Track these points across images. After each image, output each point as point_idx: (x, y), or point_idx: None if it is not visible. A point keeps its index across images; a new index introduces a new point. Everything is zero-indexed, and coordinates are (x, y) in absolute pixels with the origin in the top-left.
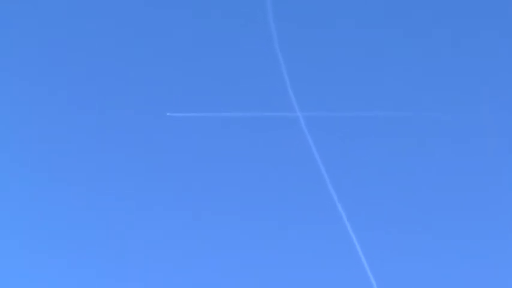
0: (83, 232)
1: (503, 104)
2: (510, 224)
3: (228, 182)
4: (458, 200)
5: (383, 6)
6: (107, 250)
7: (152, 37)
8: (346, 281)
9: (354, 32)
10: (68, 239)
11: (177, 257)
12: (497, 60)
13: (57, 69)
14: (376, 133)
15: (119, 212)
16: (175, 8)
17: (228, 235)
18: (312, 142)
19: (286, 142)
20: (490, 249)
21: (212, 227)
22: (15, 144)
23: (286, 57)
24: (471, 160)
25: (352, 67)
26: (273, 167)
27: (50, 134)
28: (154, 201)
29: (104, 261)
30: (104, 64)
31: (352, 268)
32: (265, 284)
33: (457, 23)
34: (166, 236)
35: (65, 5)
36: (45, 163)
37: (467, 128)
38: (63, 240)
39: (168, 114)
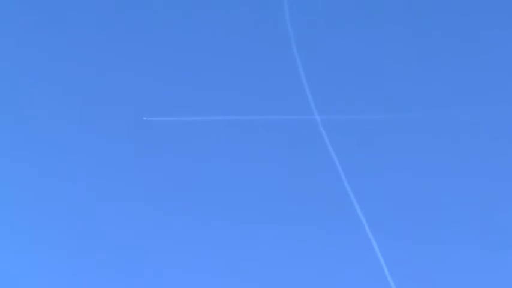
0: (67, 236)
1: None
2: None
3: (243, 185)
4: (480, 201)
5: (401, 9)
6: (91, 255)
7: (157, 35)
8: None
9: (372, 33)
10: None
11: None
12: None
13: (39, 70)
14: (394, 135)
15: (105, 219)
16: (188, 6)
17: (243, 238)
18: (329, 145)
19: (303, 145)
20: None
21: (225, 231)
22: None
23: (303, 59)
24: (493, 160)
25: (370, 69)
26: (290, 170)
27: (29, 137)
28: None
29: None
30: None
31: (368, 268)
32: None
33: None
34: (178, 241)
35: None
36: (23, 168)
37: (486, 127)
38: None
39: (144, 118)
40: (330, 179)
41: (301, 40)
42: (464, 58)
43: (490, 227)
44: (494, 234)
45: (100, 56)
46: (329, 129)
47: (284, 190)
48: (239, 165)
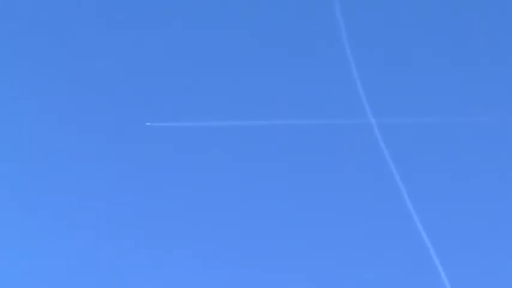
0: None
1: None
2: None
3: (297, 192)
4: None
5: (461, 8)
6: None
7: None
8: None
9: (429, 33)
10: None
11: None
12: None
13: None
14: (453, 139)
15: (102, 226)
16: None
17: (298, 246)
18: (385, 150)
19: (358, 151)
20: None
21: (281, 238)
22: None
23: (357, 60)
24: None
25: (427, 70)
26: (345, 176)
27: (25, 143)
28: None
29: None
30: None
31: (423, 272)
32: None
33: None
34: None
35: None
36: (22, 171)
37: None
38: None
39: (147, 124)
40: (386, 185)
41: (354, 40)
42: None
43: None
44: None
45: (103, 59)
46: (385, 133)
47: (337, 197)
48: (289, 170)
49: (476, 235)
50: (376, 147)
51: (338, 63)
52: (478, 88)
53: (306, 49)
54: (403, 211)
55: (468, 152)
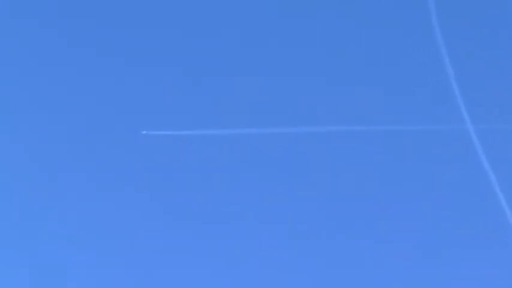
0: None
1: None
2: None
3: (390, 198)
4: None
5: None
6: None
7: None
8: None
9: None
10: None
11: None
12: None
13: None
14: None
15: (97, 235)
16: None
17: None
18: (484, 158)
19: (453, 159)
20: None
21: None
22: None
23: (454, 61)
24: None
25: None
26: (439, 186)
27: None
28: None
29: None
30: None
31: None
32: None
33: None
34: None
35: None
36: (18, 177)
37: None
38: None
39: (143, 132)
40: (484, 192)
41: (451, 42)
42: None
43: None
44: None
45: (98, 65)
46: (484, 140)
47: (433, 203)
48: (383, 176)
49: None
50: (474, 156)
51: (432, 64)
52: None
53: (400, 54)
54: (501, 218)
55: None
